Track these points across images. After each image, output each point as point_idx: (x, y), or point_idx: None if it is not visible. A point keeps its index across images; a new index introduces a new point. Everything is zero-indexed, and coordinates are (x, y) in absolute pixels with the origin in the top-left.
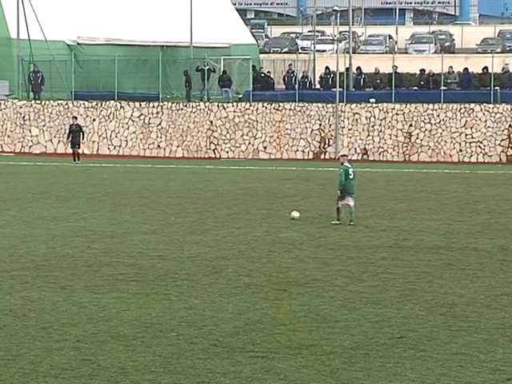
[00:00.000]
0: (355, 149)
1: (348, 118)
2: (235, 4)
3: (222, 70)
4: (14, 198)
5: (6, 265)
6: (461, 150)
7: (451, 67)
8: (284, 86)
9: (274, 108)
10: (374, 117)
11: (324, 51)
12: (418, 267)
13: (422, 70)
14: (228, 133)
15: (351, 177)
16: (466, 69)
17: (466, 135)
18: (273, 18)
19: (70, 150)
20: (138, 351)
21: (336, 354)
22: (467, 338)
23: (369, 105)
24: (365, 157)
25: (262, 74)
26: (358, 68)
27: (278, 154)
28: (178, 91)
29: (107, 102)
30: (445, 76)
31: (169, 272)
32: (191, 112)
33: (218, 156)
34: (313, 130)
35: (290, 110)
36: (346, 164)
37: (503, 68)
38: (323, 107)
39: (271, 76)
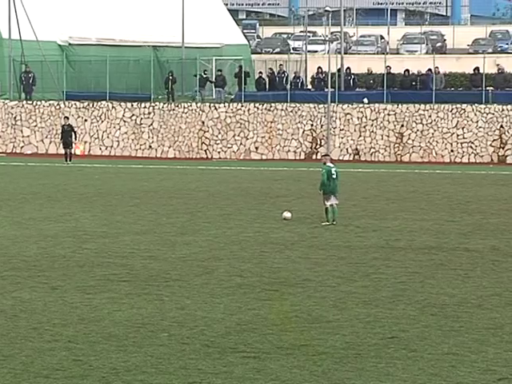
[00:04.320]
0: (347, 149)
1: (340, 119)
2: (227, 4)
3: (213, 70)
4: (5, 199)
5: None
6: (452, 151)
7: (437, 67)
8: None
9: (265, 108)
10: (366, 117)
11: (316, 52)
12: (409, 267)
13: (406, 71)
14: (220, 133)
15: (334, 176)
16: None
17: (458, 136)
18: (264, 18)
19: (61, 151)
20: (129, 351)
21: (328, 354)
22: (458, 338)
23: (360, 105)
24: (356, 157)
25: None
26: (348, 68)
27: (270, 155)
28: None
29: (99, 103)
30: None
31: (160, 272)
32: (183, 112)
33: (209, 156)
34: (304, 131)
35: (282, 110)
36: (329, 164)
37: (498, 69)
38: (315, 108)
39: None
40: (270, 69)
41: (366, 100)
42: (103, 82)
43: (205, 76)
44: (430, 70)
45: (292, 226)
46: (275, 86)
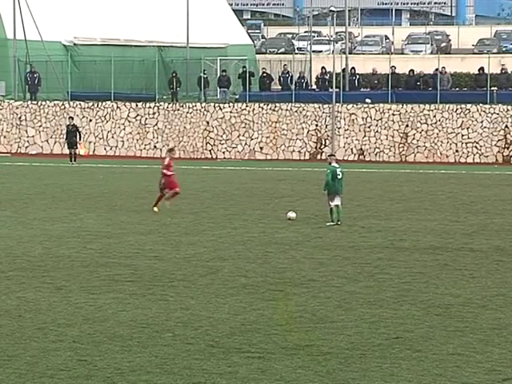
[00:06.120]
0: (351, 149)
1: (344, 119)
2: (231, 4)
3: (218, 70)
4: (9, 199)
5: (2, 265)
6: (457, 151)
7: (444, 67)
8: (280, 87)
9: (270, 108)
10: (371, 117)
11: (320, 52)
12: (414, 268)
13: (411, 71)
14: (224, 133)
15: (339, 177)
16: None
17: (463, 136)
18: (269, 18)
19: (66, 151)
20: (134, 352)
21: (332, 354)
22: (463, 338)
23: (365, 105)
24: (361, 157)
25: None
26: (352, 69)
27: (275, 155)
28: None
29: (103, 103)
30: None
31: (165, 273)
32: (187, 113)
33: (214, 157)
34: (309, 131)
35: (287, 110)
36: (334, 164)
37: (502, 69)
38: (319, 108)
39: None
40: (264, 68)
41: (368, 100)
42: (108, 82)
43: (204, 75)
44: (436, 69)
45: (297, 227)
46: (270, 85)
